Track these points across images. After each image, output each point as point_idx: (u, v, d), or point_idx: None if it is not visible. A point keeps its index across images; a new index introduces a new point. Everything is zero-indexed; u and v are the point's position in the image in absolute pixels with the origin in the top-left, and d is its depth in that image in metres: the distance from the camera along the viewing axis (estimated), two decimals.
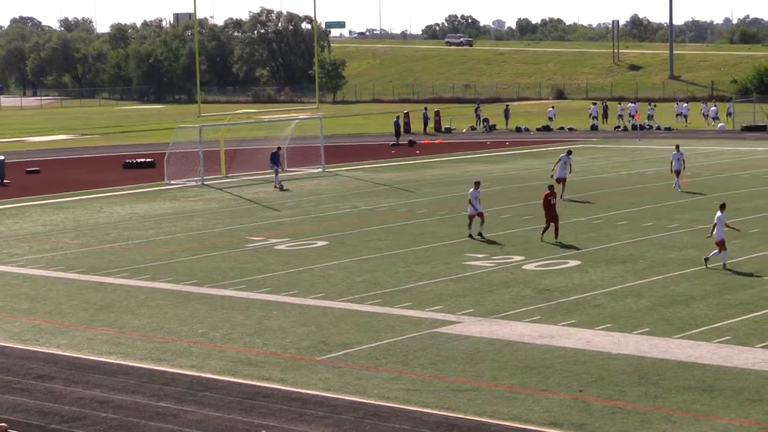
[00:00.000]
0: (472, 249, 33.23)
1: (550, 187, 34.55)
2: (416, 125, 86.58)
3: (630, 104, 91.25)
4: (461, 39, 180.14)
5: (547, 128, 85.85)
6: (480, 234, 34.99)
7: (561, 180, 43.62)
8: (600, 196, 44.54)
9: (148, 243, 36.51)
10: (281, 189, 50.51)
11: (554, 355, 21.45)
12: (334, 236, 36.51)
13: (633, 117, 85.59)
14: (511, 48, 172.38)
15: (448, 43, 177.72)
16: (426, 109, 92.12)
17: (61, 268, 32.25)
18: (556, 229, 33.85)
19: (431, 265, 30.85)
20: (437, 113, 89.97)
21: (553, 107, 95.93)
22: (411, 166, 60.00)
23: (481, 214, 35.14)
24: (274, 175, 51.76)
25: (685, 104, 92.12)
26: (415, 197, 46.39)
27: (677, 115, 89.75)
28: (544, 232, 34.13)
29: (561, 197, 41.82)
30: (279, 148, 53.21)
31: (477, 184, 35.83)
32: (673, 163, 45.50)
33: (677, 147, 46.42)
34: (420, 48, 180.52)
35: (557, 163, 44.56)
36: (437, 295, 27.09)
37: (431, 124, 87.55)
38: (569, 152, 45.64)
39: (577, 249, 32.57)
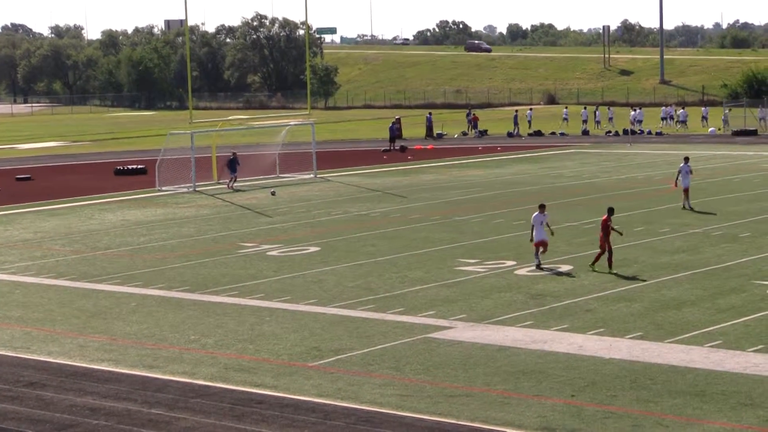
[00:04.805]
0: (464, 254, 33.23)
1: (610, 211, 30.68)
2: (418, 130, 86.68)
3: (638, 110, 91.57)
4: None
5: (539, 133, 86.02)
6: (538, 265, 30.59)
7: (686, 190, 41.18)
8: (591, 201, 44.59)
9: (140, 250, 36.46)
10: (231, 189, 53.73)
11: (547, 360, 21.45)
12: (326, 242, 36.49)
13: (635, 123, 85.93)
14: (503, 53, 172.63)
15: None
16: (430, 114, 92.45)
17: (53, 276, 32.19)
18: (610, 258, 29.89)
19: (424, 271, 30.84)
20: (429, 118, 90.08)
21: (531, 109, 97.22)
22: (403, 172, 60.02)
23: (544, 243, 30.71)
24: (229, 182, 54.53)
25: (682, 109, 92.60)
26: (407, 203, 46.39)
27: (662, 118, 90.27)
28: (597, 260, 30.14)
29: (688, 207, 40.73)
30: (234, 154, 55.20)
31: (542, 208, 31.17)
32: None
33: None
34: (411, 54, 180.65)
35: (678, 173, 41.46)
36: (430, 300, 27.08)
37: (423, 130, 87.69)
38: (687, 159, 42.29)
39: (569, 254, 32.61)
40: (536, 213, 30.94)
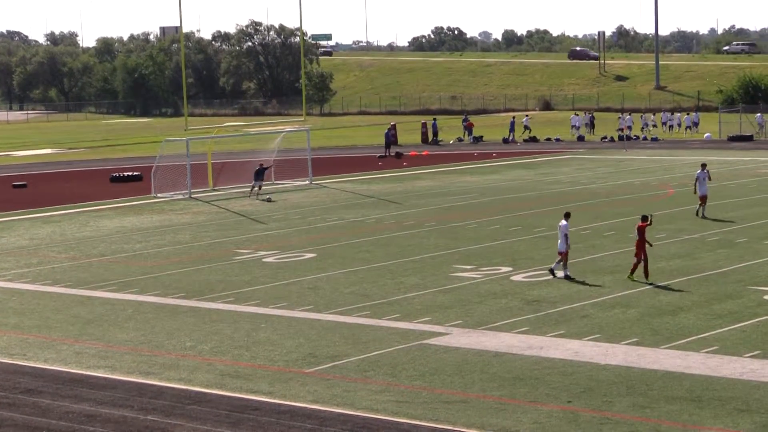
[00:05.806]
0: (460, 260, 33.23)
1: (644, 218, 30.08)
2: (413, 137, 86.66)
3: (628, 116, 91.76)
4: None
5: (534, 139, 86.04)
6: (552, 270, 30.22)
7: (703, 197, 40.61)
8: (587, 207, 44.61)
9: (136, 256, 36.43)
10: (251, 194, 52.55)
11: (543, 366, 21.46)
12: (321, 248, 36.48)
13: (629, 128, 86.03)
14: (498, 59, 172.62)
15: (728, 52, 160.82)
16: (435, 119, 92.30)
17: (49, 282, 32.17)
18: (646, 266, 29.28)
19: (419, 277, 30.84)
20: (424, 125, 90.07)
21: (527, 116, 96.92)
22: (398, 178, 60.02)
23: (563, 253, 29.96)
24: (255, 188, 52.85)
25: (687, 115, 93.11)
26: (402, 209, 46.40)
27: (644, 124, 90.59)
28: (634, 269, 29.42)
29: (702, 215, 40.09)
30: (261, 165, 54.03)
31: (567, 216, 30.69)
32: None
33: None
34: (407, 60, 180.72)
35: (696, 181, 40.65)
36: (425, 306, 27.08)
37: (419, 136, 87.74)
38: (704, 166, 41.50)
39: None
40: (563, 221, 30.14)
